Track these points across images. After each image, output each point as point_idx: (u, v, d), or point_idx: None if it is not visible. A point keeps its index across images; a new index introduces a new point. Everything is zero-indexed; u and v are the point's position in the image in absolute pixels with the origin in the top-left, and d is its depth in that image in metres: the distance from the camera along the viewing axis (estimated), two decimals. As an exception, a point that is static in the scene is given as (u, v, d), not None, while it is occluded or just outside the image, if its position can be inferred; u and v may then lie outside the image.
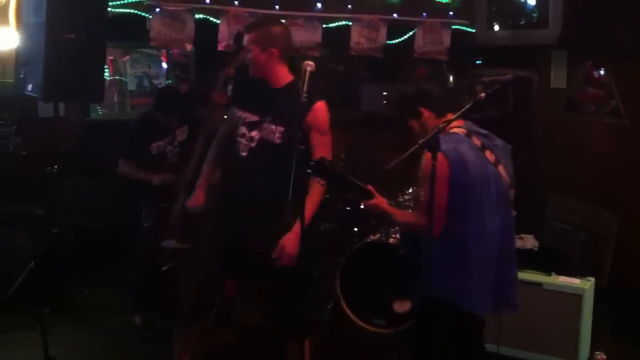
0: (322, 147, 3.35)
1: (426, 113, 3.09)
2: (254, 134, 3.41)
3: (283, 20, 5.60)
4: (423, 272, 2.99)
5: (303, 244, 3.28)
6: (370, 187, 3.04)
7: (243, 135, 3.44)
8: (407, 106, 3.18)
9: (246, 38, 3.44)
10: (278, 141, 3.35)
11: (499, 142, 3.11)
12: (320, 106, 3.39)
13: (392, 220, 3.09)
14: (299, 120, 3.17)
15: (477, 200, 2.93)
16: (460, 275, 2.96)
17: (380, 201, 3.02)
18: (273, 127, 3.37)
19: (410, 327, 3.23)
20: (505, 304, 3.13)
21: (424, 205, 2.91)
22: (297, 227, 3.20)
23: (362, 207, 4.97)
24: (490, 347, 3.69)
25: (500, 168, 3.02)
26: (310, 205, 3.30)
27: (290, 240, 3.27)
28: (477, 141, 3.01)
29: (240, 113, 3.47)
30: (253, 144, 3.40)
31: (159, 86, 6.04)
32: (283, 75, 3.46)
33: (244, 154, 3.42)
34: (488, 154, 3.01)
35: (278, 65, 3.45)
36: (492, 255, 3.00)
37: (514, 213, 3.13)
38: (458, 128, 3.03)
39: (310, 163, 2.95)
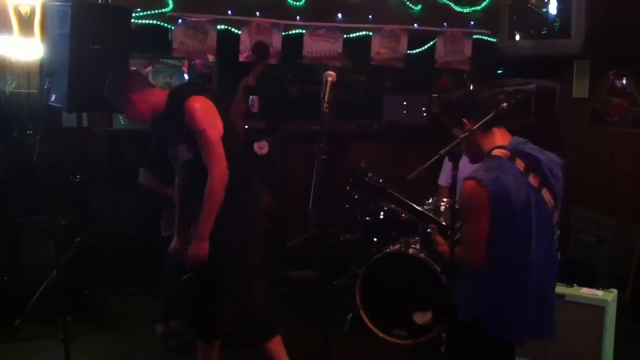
0: (204, 147, 3.38)
1: (469, 125, 2.88)
2: (178, 164, 3.59)
3: (304, 31, 5.67)
4: (460, 298, 2.92)
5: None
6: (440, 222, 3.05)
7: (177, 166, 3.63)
8: (450, 115, 3.00)
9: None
10: (191, 154, 3.45)
11: (547, 158, 2.90)
12: (190, 103, 3.36)
13: (443, 255, 2.99)
14: (183, 128, 3.34)
15: (516, 231, 2.81)
16: (500, 305, 2.85)
17: (440, 240, 3.01)
18: (181, 147, 3.48)
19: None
20: (546, 332, 3.02)
21: (464, 239, 2.85)
22: (198, 232, 3.42)
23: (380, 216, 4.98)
24: None
25: (544, 192, 2.86)
26: (206, 204, 3.41)
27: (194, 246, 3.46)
28: (520, 164, 2.84)
29: (167, 152, 3.62)
30: (183, 171, 3.63)
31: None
32: (159, 99, 3.53)
33: (183, 177, 3.66)
34: (532, 177, 2.84)
35: (147, 98, 3.52)
36: (532, 285, 2.89)
37: (557, 233, 3.00)
38: (501, 150, 2.86)
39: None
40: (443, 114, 3.05)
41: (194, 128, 3.35)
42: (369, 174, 3.00)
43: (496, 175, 2.76)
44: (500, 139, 2.89)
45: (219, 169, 3.39)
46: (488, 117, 2.82)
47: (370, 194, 3.01)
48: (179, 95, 3.43)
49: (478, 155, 2.92)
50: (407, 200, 3.09)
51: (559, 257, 3.03)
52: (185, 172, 3.60)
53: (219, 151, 3.39)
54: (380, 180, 3.01)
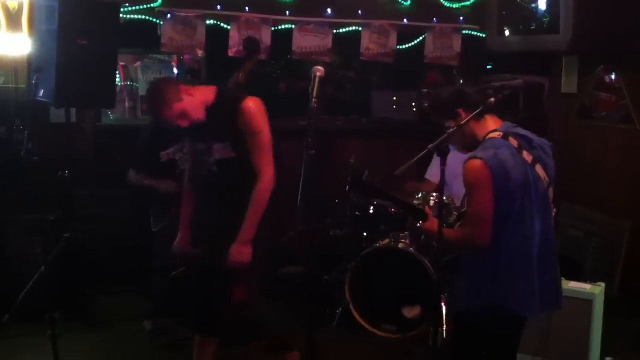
0: (259, 150, 3.39)
1: (463, 115, 3.02)
2: (212, 159, 3.46)
3: (293, 26, 5.66)
4: (469, 283, 3.03)
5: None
6: (428, 211, 3.09)
7: (205, 163, 3.49)
8: (443, 109, 3.12)
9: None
10: (233, 154, 3.41)
11: (537, 140, 3.06)
12: (249, 105, 3.37)
13: (444, 240, 2.99)
14: (233, 129, 3.31)
15: (518, 207, 2.92)
16: (509, 281, 2.94)
17: (435, 224, 3.02)
18: (221, 145, 3.41)
19: (452, 342, 3.20)
20: (552, 305, 3.11)
21: (471, 217, 2.94)
22: (242, 235, 3.38)
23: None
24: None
25: (538, 168, 2.99)
26: (253, 209, 3.39)
27: (237, 249, 3.40)
28: (514, 142, 2.97)
29: (194, 145, 3.56)
30: (215, 168, 3.46)
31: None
32: (210, 96, 3.46)
33: (209, 176, 3.52)
34: (525, 154, 2.97)
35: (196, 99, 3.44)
36: (535, 259, 2.99)
37: (554, 210, 3.12)
38: (495, 132, 3.01)
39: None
40: (436, 109, 3.14)
41: (251, 130, 3.35)
42: (366, 174, 3.02)
43: (494, 152, 2.89)
44: (493, 125, 3.03)
45: (270, 173, 3.41)
46: (479, 109, 2.95)
47: (368, 195, 3.02)
48: (232, 95, 3.43)
49: (474, 143, 3.03)
50: (404, 200, 3.11)
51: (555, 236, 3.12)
52: (219, 171, 3.46)
53: (271, 155, 3.40)
54: (377, 180, 3.04)
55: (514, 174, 2.89)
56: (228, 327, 3.61)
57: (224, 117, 3.35)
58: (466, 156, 3.00)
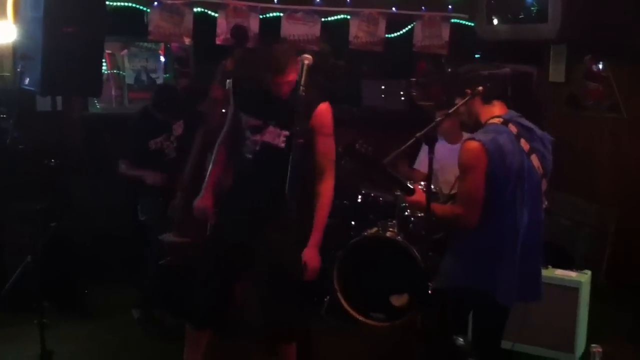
0: (328, 153, 3.42)
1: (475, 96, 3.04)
2: (258, 137, 3.42)
3: (281, 14, 5.64)
4: (451, 262, 3.09)
5: (298, 246, 3.37)
6: (414, 185, 3.12)
7: (247, 138, 3.45)
8: (455, 85, 3.13)
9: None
10: (282, 145, 3.37)
11: (539, 133, 3.09)
12: (324, 108, 3.42)
13: (432, 214, 3.01)
14: (303, 123, 3.22)
15: (509, 194, 2.95)
16: (491, 266, 2.98)
17: (421, 197, 3.04)
18: (278, 131, 3.38)
19: (429, 315, 3.24)
20: (531, 295, 3.15)
21: (461, 196, 2.98)
22: (313, 239, 3.38)
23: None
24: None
25: (534, 158, 3.01)
26: (322, 211, 3.42)
27: (311, 254, 3.39)
28: (513, 128, 3.00)
29: (244, 116, 3.48)
30: (257, 147, 3.42)
31: (157, 81, 6.02)
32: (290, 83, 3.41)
33: (249, 156, 3.45)
34: (523, 142, 2.99)
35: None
36: (530, 246, 3.02)
37: (545, 203, 3.15)
38: (496, 118, 3.03)
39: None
40: (450, 83, 3.15)
41: (324, 130, 3.39)
42: (360, 141, 3.02)
43: (493, 136, 2.92)
44: (498, 111, 3.06)
45: (333, 177, 3.45)
46: (464, 100, 2.96)
47: (360, 161, 3.03)
48: (311, 93, 3.32)
49: (476, 125, 3.07)
50: (393, 172, 3.12)
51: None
52: (260, 153, 3.41)
53: (334, 159, 3.46)
54: (370, 149, 3.04)
55: (509, 160, 2.92)
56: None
57: (300, 108, 3.22)
58: (455, 146, 3.02)
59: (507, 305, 3.12)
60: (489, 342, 3.26)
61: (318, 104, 3.40)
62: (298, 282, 3.45)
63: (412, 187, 3.10)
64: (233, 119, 3.56)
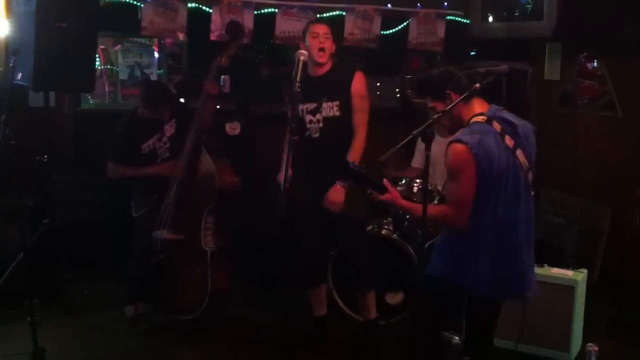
0: (362, 111, 4.10)
1: (453, 96, 3.03)
2: (318, 116, 4.11)
3: (276, 10, 5.61)
4: (436, 254, 3.13)
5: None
6: (385, 182, 3.15)
7: (310, 121, 4.13)
8: (431, 88, 3.12)
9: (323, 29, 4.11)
10: (338, 113, 4.09)
11: (522, 124, 3.08)
12: (359, 76, 4.13)
13: (411, 214, 3.20)
14: (347, 91, 4.05)
15: (498, 193, 2.95)
16: (479, 264, 2.98)
17: (395, 196, 3.13)
18: (330, 104, 4.08)
19: (417, 312, 3.27)
20: (524, 290, 3.13)
21: (451, 198, 2.98)
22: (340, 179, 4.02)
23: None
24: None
25: (519, 153, 3.00)
26: (354, 152, 4.02)
27: (336, 191, 4.07)
28: (497, 126, 2.98)
29: (302, 106, 4.06)
30: (321, 125, 4.12)
31: (151, 77, 5.97)
32: (328, 63, 4.16)
33: (316, 135, 4.14)
34: (508, 139, 2.98)
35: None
36: (511, 244, 3.02)
37: (532, 193, 3.14)
38: (480, 116, 3.01)
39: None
40: (425, 89, 3.12)
41: (360, 93, 4.09)
42: (351, 162, 3.20)
43: (480, 138, 2.91)
44: (479, 108, 3.05)
45: (365, 132, 4.09)
46: (461, 97, 2.94)
47: (355, 181, 3.18)
48: (347, 66, 4.29)
49: (460, 124, 3.06)
50: (365, 174, 3.18)
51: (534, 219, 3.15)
52: (324, 127, 4.11)
53: (368, 117, 4.11)
54: (364, 166, 3.15)
55: (496, 161, 2.91)
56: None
57: (340, 80, 4.09)
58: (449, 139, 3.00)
59: (496, 301, 3.14)
60: (480, 338, 3.25)
61: (354, 73, 4.13)
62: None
63: (386, 186, 3.13)
64: (293, 114, 3.55)
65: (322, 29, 4.10)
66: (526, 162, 3.04)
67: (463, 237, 3.00)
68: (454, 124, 3.08)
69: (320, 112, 4.10)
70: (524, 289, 3.13)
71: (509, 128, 3.02)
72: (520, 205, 3.03)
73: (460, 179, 2.92)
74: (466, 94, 2.98)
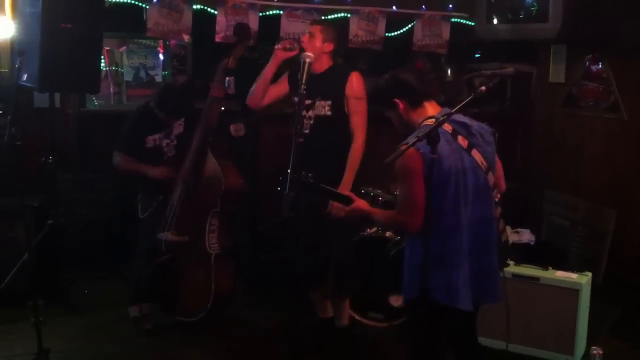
0: (358, 114, 4.03)
1: (401, 104, 3.03)
2: (310, 113, 4.07)
3: (281, 12, 5.61)
4: (406, 274, 3.03)
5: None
6: (349, 194, 3.23)
7: (304, 117, 4.03)
8: (381, 98, 3.13)
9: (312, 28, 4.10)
10: (329, 113, 4.05)
11: (477, 124, 3.04)
12: (355, 76, 4.07)
13: (374, 219, 3.19)
14: (340, 91, 4.00)
15: (452, 194, 2.89)
16: (439, 270, 2.88)
17: (361, 204, 3.16)
18: (323, 103, 4.04)
19: (405, 325, 3.20)
20: (487, 296, 3.06)
21: (400, 202, 2.94)
22: (344, 183, 3.94)
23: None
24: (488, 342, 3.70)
25: (475, 153, 2.96)
26: (353, 161, 4.00)
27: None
28: (448, 127, 2.94)
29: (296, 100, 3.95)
30: (311, 122, 4.07)
31: (156, 78, 5.99)
32: (326, 62, 4.12)
33: (307, 131, 4.03)
34: (461, 139, 2.95)
35: (327, 55, 4.12)
36: (470, 248, 2.95)
37: (497, 197, 3.10)
38: (430, 119, 2.96)
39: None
40: (374, 98, 3.16)
41: (355, 94, 4.02)
42: (302, 173, 3.19)
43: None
44: (431, 112, 3.03)
45: (364, 136, 4.03)
46: (467, 100, 2.86)
47: (306, 192, 3.25)
48: (345, 66, 4.31)
49: (411, 129, 3.02)
50: (328, 188, 3.27)
51: (499, 220, 3.10)
52: (314, 126, 4.06)
53: (366, 119, 4.04)
54: (310, 175, 3.19)
55: (447, 162, 2.86)
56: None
57: (335, 81, 4.04)
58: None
59: (461, 309, 2.99)
60: (464, 340, 3.23)
61: (350, 73, 4.07)
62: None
63: (347, 196, 3.20)
64: (298, 116, 3.65)
65: (313, 29, 4.10)
66: (484, 162, 2.99)
67: (428, 244, 2.80)
68: (406, 128, 3.05)
69: (313, 110, 4.07)
70: (497, 294, 3.07)
71: (462, 129, 2.98)
72: (482, 206, 2.98)
73: (407, 182, 2.87)
74: (469, 99, 2.83)
